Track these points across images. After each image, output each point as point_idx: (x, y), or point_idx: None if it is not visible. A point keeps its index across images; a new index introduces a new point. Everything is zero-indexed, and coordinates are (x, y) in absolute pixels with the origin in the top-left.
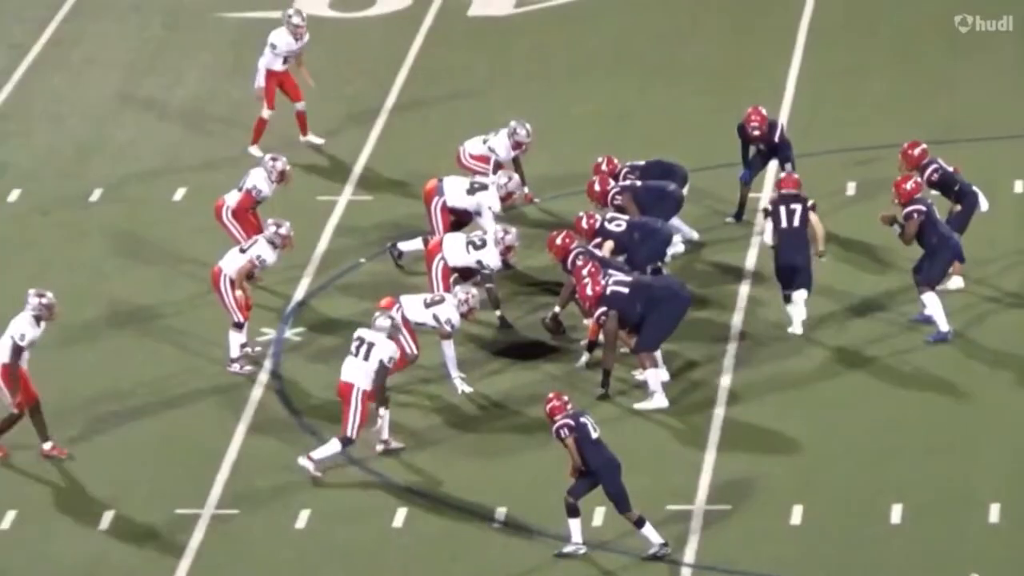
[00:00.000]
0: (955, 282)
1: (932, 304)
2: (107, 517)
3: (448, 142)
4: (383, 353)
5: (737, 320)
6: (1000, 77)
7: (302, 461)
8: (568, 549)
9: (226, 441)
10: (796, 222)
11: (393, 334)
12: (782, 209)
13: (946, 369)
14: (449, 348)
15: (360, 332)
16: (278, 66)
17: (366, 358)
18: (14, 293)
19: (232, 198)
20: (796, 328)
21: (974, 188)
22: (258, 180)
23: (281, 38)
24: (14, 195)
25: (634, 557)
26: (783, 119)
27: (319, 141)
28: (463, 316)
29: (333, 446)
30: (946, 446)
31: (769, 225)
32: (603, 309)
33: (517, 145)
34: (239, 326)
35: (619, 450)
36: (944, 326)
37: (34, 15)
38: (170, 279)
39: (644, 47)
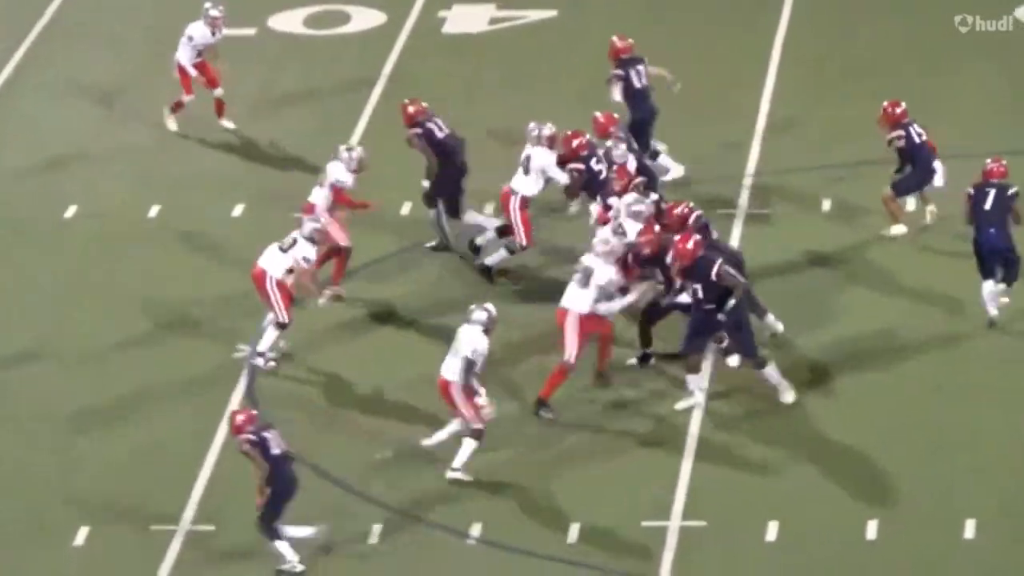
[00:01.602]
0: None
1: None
2: (82, 533)
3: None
4: (467, 347)
5: None
6: (980, 95)
7: (449, 474)
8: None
9: (202, 457)
10: (644, 80)
11: (489, 327)
12: (632, 72)
13: (922, 385)
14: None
15: (460, 329)
16: (194, 59)
17: (456, 353)
18: None
19: (319, 197)
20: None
21: (935, 166)
22: (338, 173)
23: (198, 30)
24: None
25: (612, 574)
26: (758, 135)
27: (231, 126)
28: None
29: (469, 446)
30: (922, 461)
31: (620, 87)
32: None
33: (550, 141)
34: (283, 326)
35: (595, 467)
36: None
37: (10, 32)
38: (144, 297)
39: None
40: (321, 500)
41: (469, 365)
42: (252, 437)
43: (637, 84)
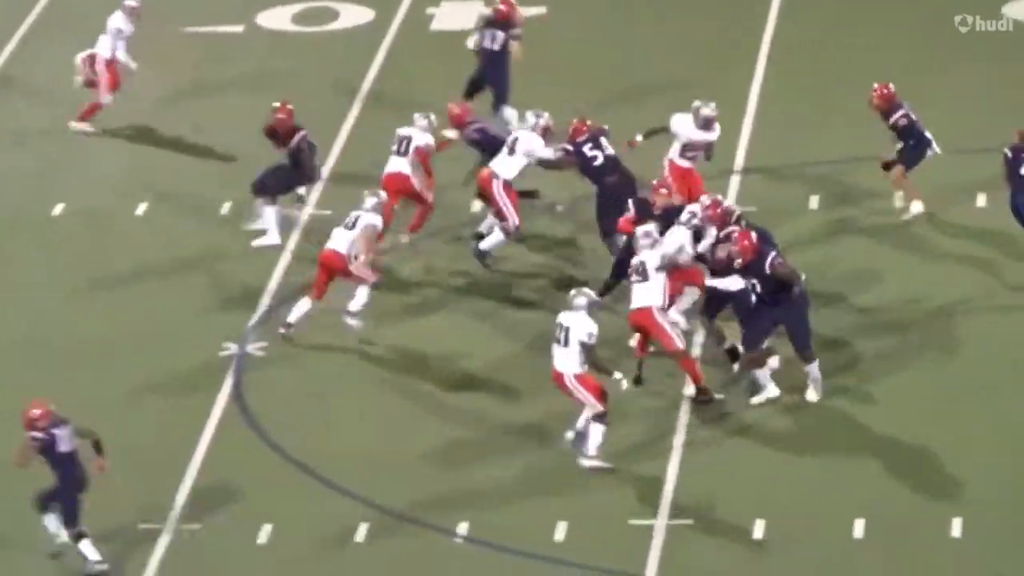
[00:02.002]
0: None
1: None
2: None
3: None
4: (580, 333)
5: (699, 334)
6: (969, 91)
7: (584, 462)
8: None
9: (189, 456)
10: (495, 44)
11: (592, 311)
12: (487, 32)
13: (907, 383)
14: None
15: (560, 317)
16: (116, 51)
17: (566, 343)
18: None
19: (403, 164)
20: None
21: (928, 135)
22: (425, 136)
23: (124, 23)
24: None
25: (599, 572)
26: (745, 132)
27: (85, 128)
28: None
29: (597, 431)
30: (909, 460)
31: (474, 38)
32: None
33: (544, 131)
34: (375, 285)
35: (577, 465)
36: None
37: None
38: (132, 294)
39: (604, 61)
40: (307, 497)
41: (588, 349)
42: (40, 435)
43: (485, 43)
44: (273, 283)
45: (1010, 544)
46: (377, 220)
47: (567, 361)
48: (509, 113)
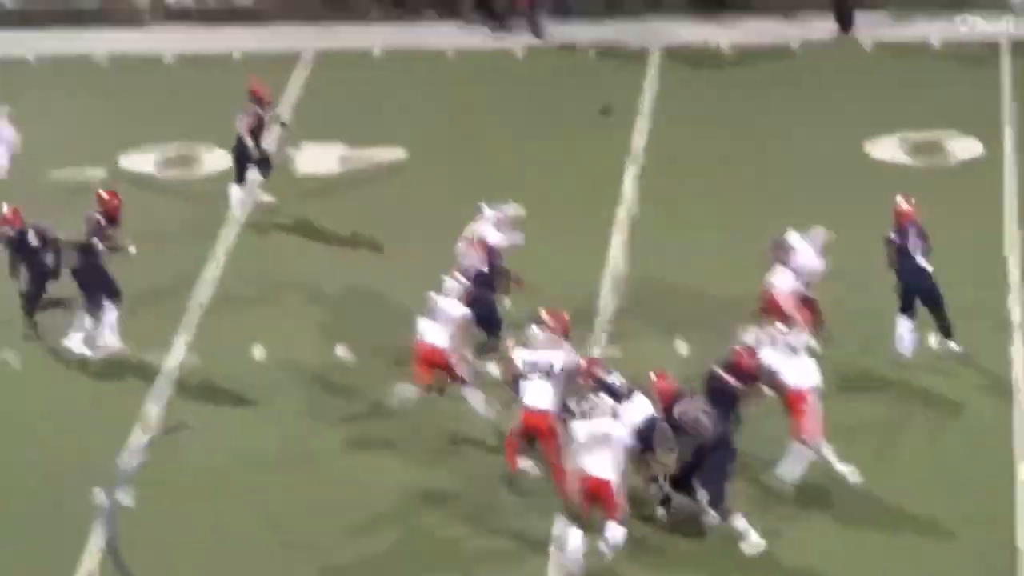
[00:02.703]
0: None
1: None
2: None
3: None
4: (624, 438)
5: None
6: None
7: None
8: None
9: None
10: (242, 126)
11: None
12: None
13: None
14: None
15: (598, 424)
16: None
17: (608, 447)
18: None
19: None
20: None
21: None
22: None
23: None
24: None
25: None
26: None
27: None
28: None
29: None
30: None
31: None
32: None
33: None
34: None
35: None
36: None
37: None
38: None
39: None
40: None
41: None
42: None
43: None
44: (145, 423)
45: None
46: (463, 308)
47: (610, 467)
48: (234, 192)
